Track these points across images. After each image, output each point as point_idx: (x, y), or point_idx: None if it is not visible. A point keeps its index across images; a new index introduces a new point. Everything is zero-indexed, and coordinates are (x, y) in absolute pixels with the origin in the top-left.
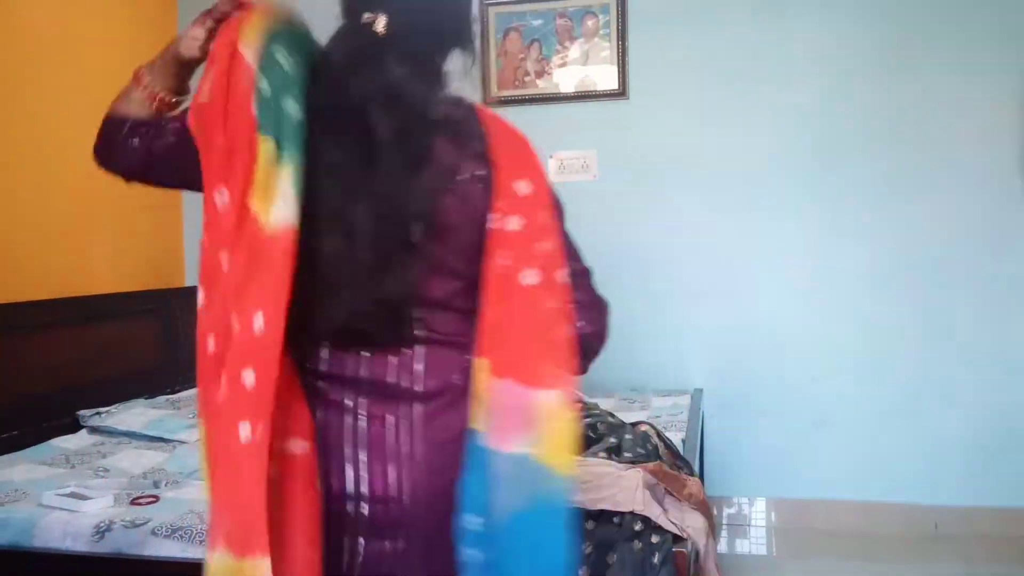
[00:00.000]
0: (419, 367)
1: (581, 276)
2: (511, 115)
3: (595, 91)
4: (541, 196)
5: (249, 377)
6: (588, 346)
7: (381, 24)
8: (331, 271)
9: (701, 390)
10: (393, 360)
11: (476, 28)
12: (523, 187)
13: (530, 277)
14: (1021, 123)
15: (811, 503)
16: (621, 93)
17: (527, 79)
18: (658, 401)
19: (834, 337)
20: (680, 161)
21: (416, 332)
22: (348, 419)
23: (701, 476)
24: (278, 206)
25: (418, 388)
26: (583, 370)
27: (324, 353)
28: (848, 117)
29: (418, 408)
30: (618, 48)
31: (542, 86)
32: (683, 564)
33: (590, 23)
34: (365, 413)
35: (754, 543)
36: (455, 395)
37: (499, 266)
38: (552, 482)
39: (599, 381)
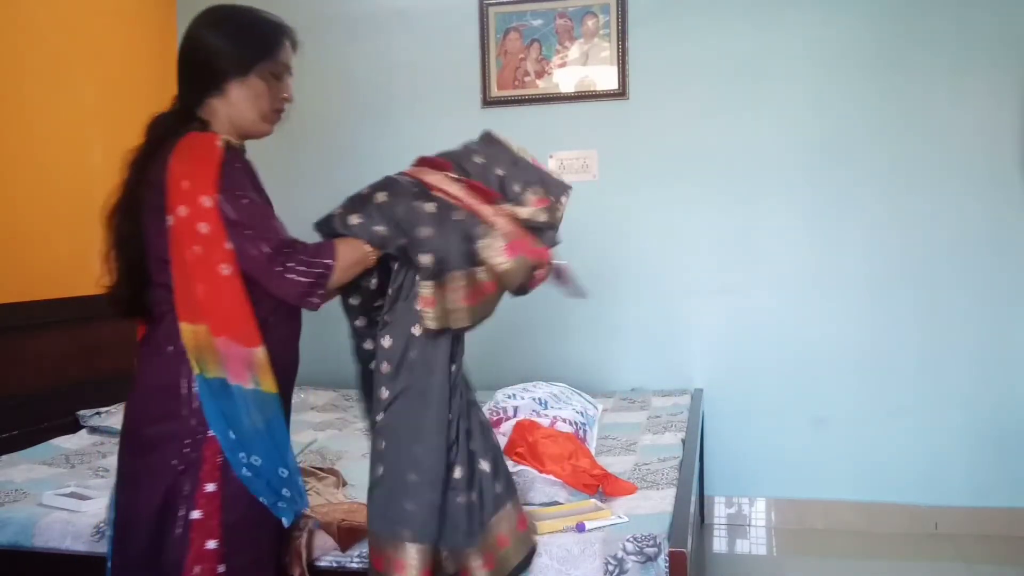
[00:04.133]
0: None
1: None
2: (511, 115)
3: (595, 91)
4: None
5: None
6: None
7: None
8: None
9: (701, 390)
10: None
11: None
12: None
13: (225, 269)
14: (1022, 121)
15: (811, 503)
16: (621, 93)
17: (527, 79)
18: (658, 401)
19: (834, 337)
20: (680, 161)
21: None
22: None
23: (701, 476)
24: None
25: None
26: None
27: None
28: (848, 117)
29: None
30: (618, 48)
31: (542, 86)
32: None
33: (590, 23)
34: None
35: (754, 543)
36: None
37: (193, 254)
38: (273, 402)
39: (600, 381)
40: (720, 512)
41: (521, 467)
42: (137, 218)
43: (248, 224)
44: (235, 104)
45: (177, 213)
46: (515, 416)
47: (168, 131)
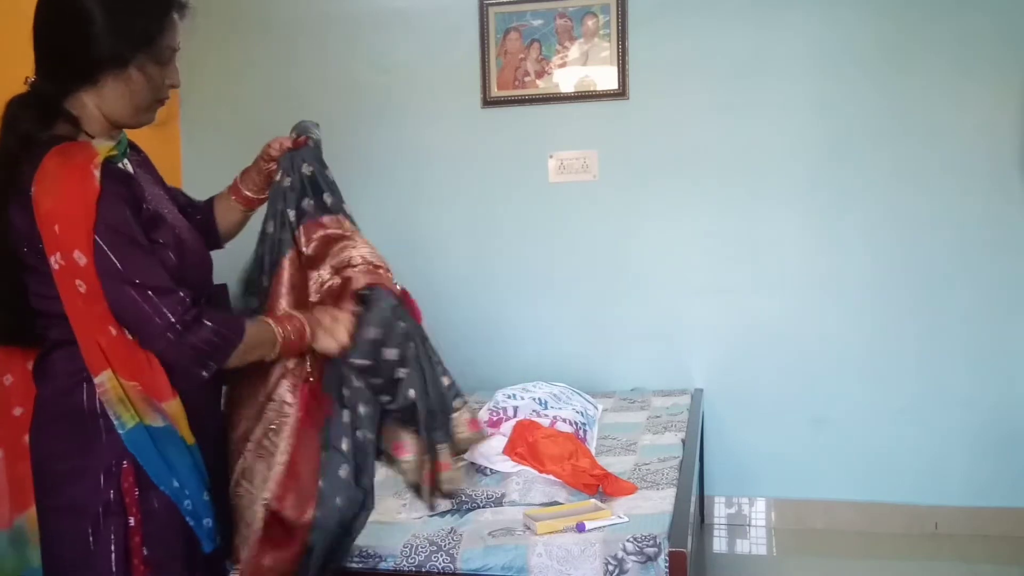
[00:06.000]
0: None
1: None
2: (511, 115)
3: (595, 91)
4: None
5: None
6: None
7: None
8: None
9: (701, 390)
10: None
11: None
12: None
13: (114, 330)
14: (1022, 122)
15: (811, 503)
16: (621, 93)
17: (527, 79)
18: (658, 401)
19: (835, 337)
20: (680, 161)
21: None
22: None
23: (701, 476)
24: None
25: None
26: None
27: None
28: (848, 117)
29: None
30: (618, 48)
31: (542, 86)
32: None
33: (590, 23)
34: None
35: (754, 543)
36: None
37: (78, 310)
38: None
39: (600, 381)
40: (720, 512)
41: (521, 467)
42: (5, 242)
43: (135, 275)
44: (107, 99)
45: (56, 259)
46: (515, 416)
47: (32, 130)
